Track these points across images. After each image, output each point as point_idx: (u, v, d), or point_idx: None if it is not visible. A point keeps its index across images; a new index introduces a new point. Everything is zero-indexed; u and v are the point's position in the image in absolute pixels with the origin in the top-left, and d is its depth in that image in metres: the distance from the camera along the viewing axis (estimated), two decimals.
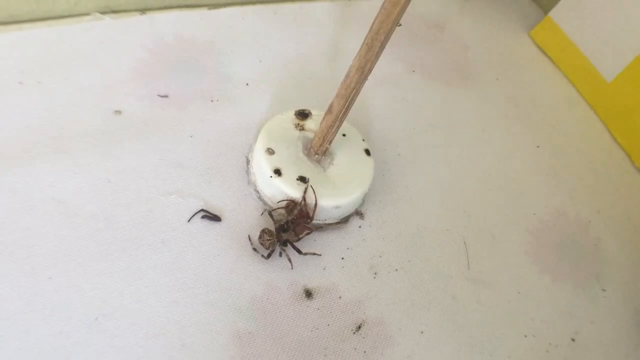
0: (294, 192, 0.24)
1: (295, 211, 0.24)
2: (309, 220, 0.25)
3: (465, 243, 0.28)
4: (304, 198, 0.24)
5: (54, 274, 0.22)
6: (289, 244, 0.25)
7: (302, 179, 0.25)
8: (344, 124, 0.24)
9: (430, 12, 0.40)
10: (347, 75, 0.18)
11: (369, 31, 0.16)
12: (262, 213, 0.26)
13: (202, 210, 0.25)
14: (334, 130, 0.21)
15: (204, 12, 0.34)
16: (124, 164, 0.26)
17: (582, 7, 0.37)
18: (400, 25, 0.15)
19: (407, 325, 0.25)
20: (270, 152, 0.25)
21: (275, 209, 0.25)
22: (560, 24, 0.39)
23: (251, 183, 0.27)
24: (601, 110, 0.37)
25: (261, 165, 0.25)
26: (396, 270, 0.26)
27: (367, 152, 0.27)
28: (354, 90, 0.18)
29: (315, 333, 0.24)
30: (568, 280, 0.28)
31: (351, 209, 0.27)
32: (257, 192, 0.26)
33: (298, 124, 0.27)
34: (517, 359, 0.25)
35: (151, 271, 0.23)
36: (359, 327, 0.24)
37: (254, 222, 0.26)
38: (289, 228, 0.24)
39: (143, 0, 0.32)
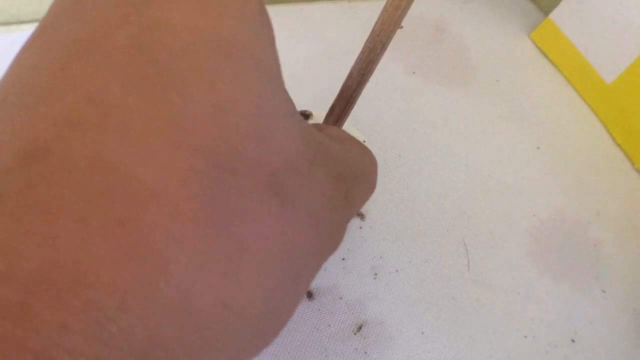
0: None
1: None
2: None
3: (465, 244, 0.28)
4: None
5: None
6: None
7: None
8: (345, 125, 0.24)
9: (431, 14, 0.40)
10: (349, 77, 0.18)
11: (371, 34, 0.16)
12: None
13: None
14: None
15: None
16: None
17: (583, 9, 0.37)
18: (402, 27, 0.15)
19: (408, 326, 0.25)
20: None
21: None
22: (560, 26, 0.39)
23: None
24: (601, 111, 0.37)
25: None
26: (397, 271, 0.26)
27: None
28: (355, 92, 0.18)
29: (316, 334, 0.24)
30: (568, 281, 0.29)
31: None
32: None
33: None
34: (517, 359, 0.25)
35: None
36: (360, 328, 0.24)
37: None
38: None
39: None
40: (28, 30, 0.29)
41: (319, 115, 0.28)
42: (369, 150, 0.18)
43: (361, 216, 0.28)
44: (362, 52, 0.17)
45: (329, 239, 0.13)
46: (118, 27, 0.10)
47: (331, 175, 0.13)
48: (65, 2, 0.11)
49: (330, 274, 0.26)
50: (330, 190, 0.13)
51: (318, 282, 0.25)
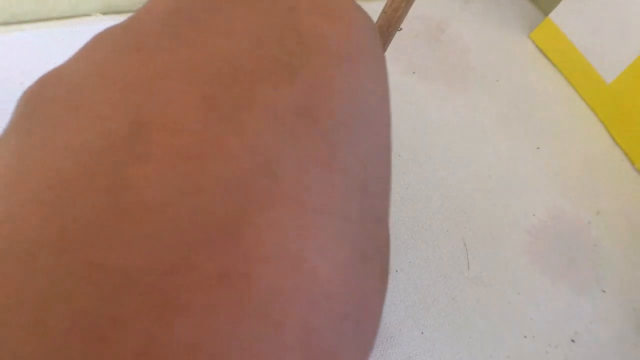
0: None
1: None
2: None
3: (465, 244, 0.28)
4: None
5: None
6: None
7: None
8: None
9: (431, 14, 0.40)
10: None
11: None
12: None
13: None
14: None
15: None
16: None
17: (582, 9, 0.37)
18: (400, 29, 0.15)
19: (408, 326, 0.25)
20: None
21: None
22: (560, 26, 0.39)
23: None
24: (601, 111, 0.37)
25: None
26: (396, 271, 0.26)
27: None
28: None
29: None
30: (568, 281, 0.29)
31: None
32: None
33: None
34: None
35: None
36: None
37: None
38: None
39: (144, 2, 0.32)
40: (28, 30, 0.29)
41: None
42: None
43: None
44: None
45: None
46: (286, 83, 0.09)
47: None
48: (195, 11, 0.10)
49: None
50: None
51: None
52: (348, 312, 0.08)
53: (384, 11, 0.15)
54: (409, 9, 0.14)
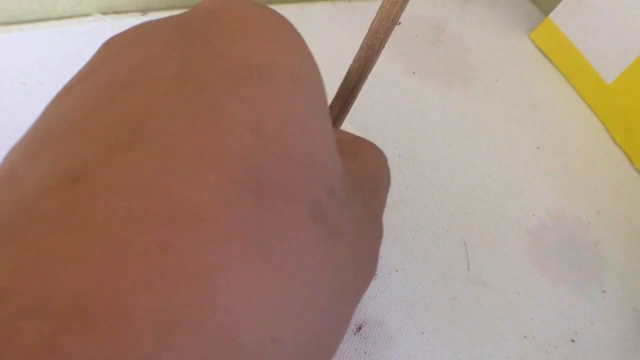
0: None
1: None
2: None
3: (465, 244, 0.28)
4: None
5: None
6: None
7: None
8: (344, 124, 0.24)
9: (431, 14, 0.40)
10: (347, 75, 0.18)
11: (369, 30, 0.16)
12: None
13: None
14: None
15: None
16: None
17: (582, 9, 0.37)
18: (399, 23, 0.15)
19: (408, 326, 0.25)
20: None
21: None
22: (560, 26, 0.39)
23: None
24: (601, 111, 0.37)
25: None
26: (396, 271, 0.26)
27: None
28: (354, 90, 0.18)
29: None
30: (568, 281, 0.28)
31: None
32: None
33: None
34: None
35: None
36: (360, 328, 0.24)
37: None
38: None
39: (144, 1, 0.32)
40: (28, 30, 0.29)
41: None
42: (377, 148, 0.17)
43: None
44: (360, 50, 0.17)
45: (366, 266, 0.13)
46: (164, 60, 0.10)
47: (365, 197, 0.13)
48: (105, 55, 0.12)
49: None
50: (363, 213, 0.13)
51: None
52: (228, 235, 0.09)
53: (382, 5, 0.15)
54: (407, 2, 0.14)
